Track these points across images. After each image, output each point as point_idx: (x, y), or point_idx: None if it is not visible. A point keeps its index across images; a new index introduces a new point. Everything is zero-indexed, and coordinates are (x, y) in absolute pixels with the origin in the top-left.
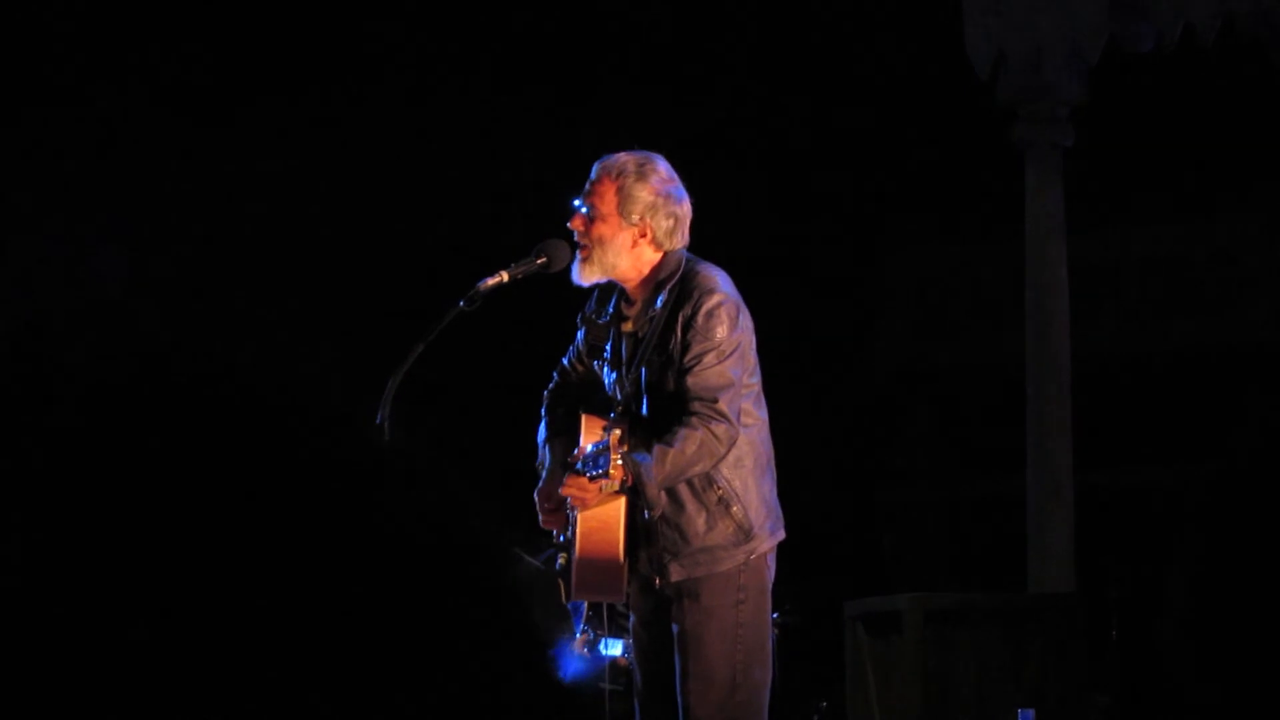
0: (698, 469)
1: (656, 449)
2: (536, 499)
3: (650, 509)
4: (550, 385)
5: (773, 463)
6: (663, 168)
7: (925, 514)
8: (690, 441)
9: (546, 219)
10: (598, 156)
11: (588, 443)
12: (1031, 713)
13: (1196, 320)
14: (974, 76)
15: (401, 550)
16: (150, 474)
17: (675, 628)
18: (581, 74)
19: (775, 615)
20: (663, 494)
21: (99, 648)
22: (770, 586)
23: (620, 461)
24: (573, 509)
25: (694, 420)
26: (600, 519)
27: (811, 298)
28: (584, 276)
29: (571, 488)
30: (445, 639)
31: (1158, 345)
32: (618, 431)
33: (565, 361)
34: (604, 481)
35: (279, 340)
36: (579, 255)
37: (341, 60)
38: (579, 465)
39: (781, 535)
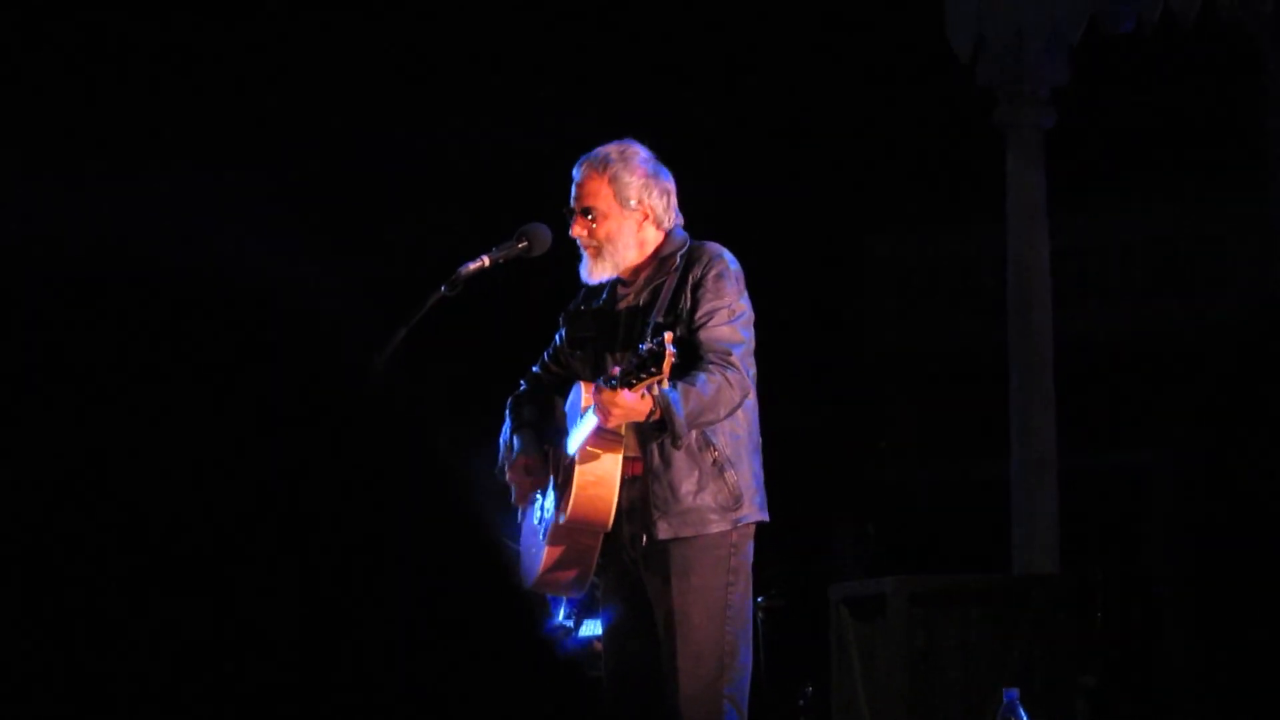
0: (712, 416)
1: (680, 386)
2: (509, 473)
3: (676, 441)
4: (517, 391)
5: (760, 446)
6: (640, 149)
7: (910, 496)
8: (710, 384)
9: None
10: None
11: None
12: (1016, 693)
13: (1179, 301)
14: (955, 59)
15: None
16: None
17: (662, 609)
18: (573, 62)
19: (760, 599)
20: (691, 432)
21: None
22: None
23: (668, 363)
24: (565, 476)
25: (710, 367)
26: (597, 474)
27: (794, 280)
28: (596, 275)
29: (605, 398)
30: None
31: (1140, 326)
32: (670, 334)
33: (536, 368)
34: (655, 380)
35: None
36: (586, 254)
37: None
38: (619, 373)
39: (765, 516)
